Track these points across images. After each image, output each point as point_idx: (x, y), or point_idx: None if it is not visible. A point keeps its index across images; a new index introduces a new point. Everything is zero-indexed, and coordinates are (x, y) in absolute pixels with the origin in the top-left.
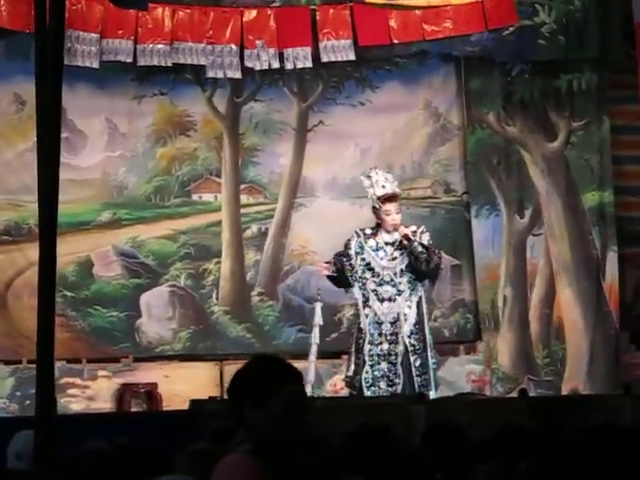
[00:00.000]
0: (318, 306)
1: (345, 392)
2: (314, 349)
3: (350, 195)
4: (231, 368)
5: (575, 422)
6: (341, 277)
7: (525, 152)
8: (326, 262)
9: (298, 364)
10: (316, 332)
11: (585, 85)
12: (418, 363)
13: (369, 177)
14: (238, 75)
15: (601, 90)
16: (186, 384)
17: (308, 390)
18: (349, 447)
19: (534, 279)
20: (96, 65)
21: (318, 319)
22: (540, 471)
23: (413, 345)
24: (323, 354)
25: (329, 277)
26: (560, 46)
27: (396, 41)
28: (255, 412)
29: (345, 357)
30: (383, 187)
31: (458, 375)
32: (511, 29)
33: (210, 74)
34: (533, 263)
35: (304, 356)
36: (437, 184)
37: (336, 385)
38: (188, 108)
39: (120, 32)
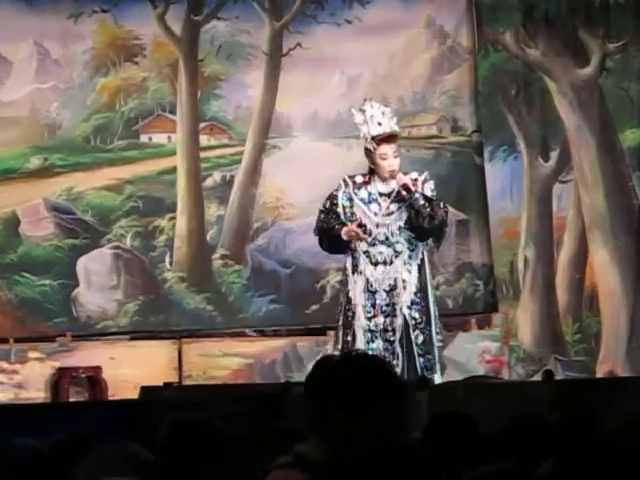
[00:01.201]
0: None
1: None
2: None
3: (335, 134)
4: (192, 347)
5: (613, 412)
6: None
7: (550, 80)
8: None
9: (271, 342)
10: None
11: None
12: (420, 340)
13: (362, 111)
14: None
15: None
16: (136, 367)
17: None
18: None
19: (562, 236)
20: None
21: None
22: (567, 474)
23: (414, 318)
24: (304, 330)
25: (320, 240)
26: None
27: None
28: (347, 423)
29: (331, 333)
30: (379, 124)
31: (469, 354)
32: None
33: None
34: (561, 216)
35: (276, 332)
36: (443, 120)
37: None
38: (135, 28)
39: None
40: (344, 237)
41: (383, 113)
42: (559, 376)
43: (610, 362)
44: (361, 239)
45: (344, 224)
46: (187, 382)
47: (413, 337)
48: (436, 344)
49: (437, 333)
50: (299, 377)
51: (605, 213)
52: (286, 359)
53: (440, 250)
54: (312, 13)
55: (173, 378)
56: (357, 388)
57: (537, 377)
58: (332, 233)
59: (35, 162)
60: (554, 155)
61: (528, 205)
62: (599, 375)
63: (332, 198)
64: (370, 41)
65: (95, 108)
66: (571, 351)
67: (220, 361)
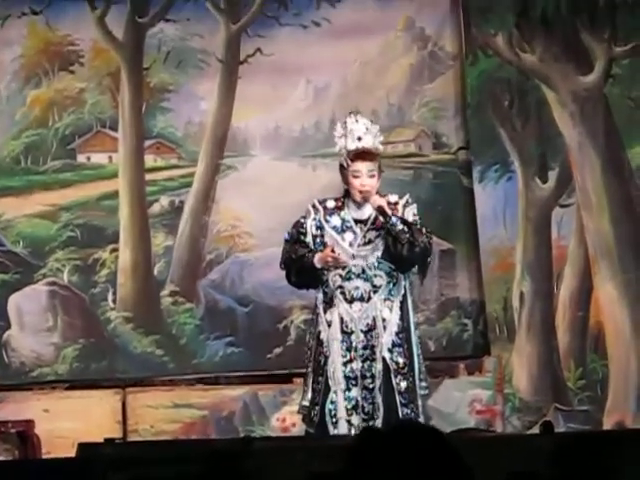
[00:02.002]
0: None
1: (298, 430)
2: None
3: (299, 153)
4: (137, 398)
5: (622, 469)
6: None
7: (548, 89)
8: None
9: (230, 391)
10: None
11: None
12: (403, 387)
13: (344, 124)
14: None
15: None
16: (74, 421)
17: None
18: None
19: (562, 268)
20: None
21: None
22: None
23: (396, 362)
24: (266, 377)
25: (288, 273)
26: None
27: None
28: None
29: (297, 380)
30: (359, 139)
31: (457, 404)
32: None
33: None
34: (561, 245)
35: (236, 379)
36: (423, 136)
37: (285, 420)
38: (71, 33)
39: None
40: (317, 265)
41: (367, 129)
42: (560, 428)
43: (619, 412)
44: (339, 265)
45: (315, 252)
46: (132, 437)
47: (395, 384)
48: (420, 392)
49: (421, 380)
50: (261, 431)
51: (612, 242)
52: (246, 410)
53: (420, 284)
54: (274, 14)
55: (116, 433)
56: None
57: (535, 430)
58: (302, 263)
59: None
60: (553, 175)
61: (524, 233)
62: (606, 427)
63: (299, 226)
64: (340, 46)
65: (25, 124)
66: (574, 400)
67: (171, 413)
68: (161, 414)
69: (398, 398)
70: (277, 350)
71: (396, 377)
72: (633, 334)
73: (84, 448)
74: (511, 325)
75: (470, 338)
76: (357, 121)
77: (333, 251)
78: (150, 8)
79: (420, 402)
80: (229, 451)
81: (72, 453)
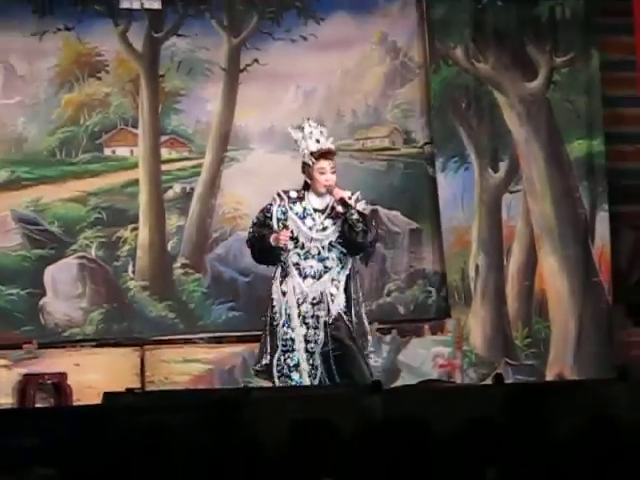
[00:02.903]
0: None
1: None
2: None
3: (291, 147)
4: (154, 354)
5: (562, 414)
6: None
7: (499, 93)
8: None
9: (232, 348)
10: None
11: (570, 13)
12: (339, 353)
13: (301, 128)
14: (157, 5)
15: (589, 18)
16: (100, 373)
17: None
18: (292, 446)
19: (511, 245)
20: None
21: (300, 344)
22: (515, 476)
23: (334, 335)
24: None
25: (252, 250)
26: None
27: None
28: None
29: None
30: (317, 141)
31: (423, 359)
32: None
33: (124, 4)
34: (510, 225)
35: (236, 338)
36: (396, 133)
37: None
38: (98, 45)
39: None
40: (272, 243)
41: (321, 132)
42: (509, 379)
43: (559, 365)
44: (286, 246)
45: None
46: (149, 388)
47: (331, 350)
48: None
49: (367, 346)
50: (256, 382)
51: (553, 222)
52: (245, 364)
53: (393, 258)
54: (269, 30)
55: (136, 384)
56: None
57: (488, 381)
58: (262, 242)
59: (2, 175)
60: (503, 166)
61: (479, 214)
62: (548, 378)
63: (266, 211)
64: (325, 57)
65: (60, 123)
66: (521, 355)
67: (181, 367)
68: (173, 368)
69: (332, 361)
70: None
71: (334, 344)
72: (570, 300)
73: (108, 397)
74: (468, 292)
75: (434, 303)
76: (310, 125)
77: (292, 239)
78: (165, 25)
79: (366, 363)
80: (231, 399)
81: (98, 401)
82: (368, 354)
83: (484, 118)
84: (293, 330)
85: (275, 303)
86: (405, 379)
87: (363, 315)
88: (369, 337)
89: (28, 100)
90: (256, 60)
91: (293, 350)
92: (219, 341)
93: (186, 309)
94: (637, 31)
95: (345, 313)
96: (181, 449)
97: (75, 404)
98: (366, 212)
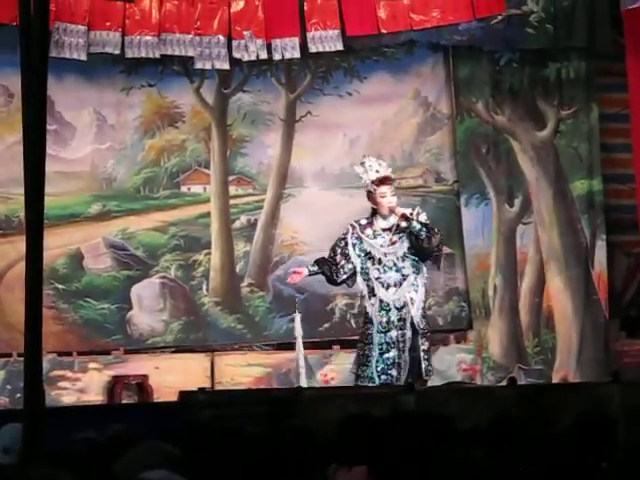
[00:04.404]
0: (297, 317)
1: (335, 383)
2: (299, 342)
3: (339, 185)
4: (222, 359)
5: (566, 411)
6: (325, 274)
7: (514, 141)
8: (294, 271)
9: (288, 355)
10: (299, 344)
11: (573, 73)
12: (426, 346)
13: (362, 164)
14: (226, 66)
15: (590, 78)
16: (177, 375)
17: (302, 381)
18: (337, 437)
19: (524, 268)
20: (84, 57)
21: (298, 331)
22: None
23: (422, 329)
24: (314, 344)
25: (322, 274)
26: (548, 34)
27: (384, 31)
28: None
29: (336, 348)
30: (377, 172)
31: (449, 364)
32: (499, 18)
33: (198, 65)
34: (523, 252)
35: (293, 345)
36: (428, 173)
37: (327, 375)
38: (176, 99)
39: (108, 24)
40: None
41: (379, 164)
42: (522, 382)
43: (563, 370)
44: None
45: (337, 263)
46: (218, 387)
47: (420, 343)
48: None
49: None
50: (309, 383)
51: (559, 249)
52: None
53: (431, 278)
54: (320, 87)
55: (207, 384)
56: None
57: (504, 383)
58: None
59: (95, 208)
60: (517, 201)
61: (497, 242)
62: (555, 381)
63: (339, 240)
64: (367, 110)
65: (144, 164)
66: (532, 361)
67: (245, 370)
68: (238, 371)
69: (422, 355)
70: (325, 325)
71: (422, 338)
72: (573, 315)
73: (184, 395)
74: (487, 308)
75: (465, 316)
76: (370, 160)
77: (370, 258)
78: (232, 82)
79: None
80: (286, 397)
81: (175, 398)
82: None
83: (501, 161)
84: (386, 334)
85: (370, 316)
86: (434, 381)
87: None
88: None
89: (117, 145)
90: (309, 112)
91: (389, 351)
92: (278, 348)
93: (252, 321)
94: (630, 89)
95: (423, 312)
96: (243, 439)
97: (155, 401)
98: (427, 222)
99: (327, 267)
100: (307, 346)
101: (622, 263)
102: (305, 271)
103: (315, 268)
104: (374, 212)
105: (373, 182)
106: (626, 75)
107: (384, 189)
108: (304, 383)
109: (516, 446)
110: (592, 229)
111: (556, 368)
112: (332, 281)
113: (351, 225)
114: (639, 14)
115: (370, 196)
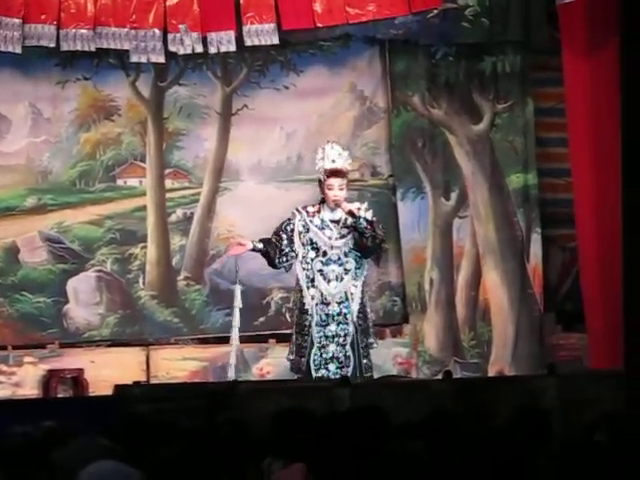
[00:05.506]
0: (238, 289)
1: (271, 377)
2: (235, 332)
3: (276, 179)
4: (158, 353)
5: (501, 404)
6: (267, 255)
7: (450, 134)
8: (238, 243)
9: (225, 348)
10: (236, 314)
11: (509, 67)
12: (364, 344)
13: (323, 149)
14: (162, 59)
15: (525, 72)
16: (112, 369)
17: (231, 374)
18: (272, 431)
19: (460, 261)
20: (19, 50)
21: (238, 302)
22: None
23: (360, 325)
24: (250, 338)
25: (263, 255)
26: (484, 28)
27: (320, 25)
28: None
29: (272, 341)
30: (333, 162)
31: (385, 358)
32: (435, 12)
33: (134, 59)
34: (459, 245)
35: (229, 339)
36: (364, 167)
37: (262, 369)
38: (112, 93)
39: (43, 17)
40: (238, 252)
41: (339, 154)
42: (458, 375)
43: (500, 364)
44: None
45: (281, 249)
46: (153, 381)
47: (359, 341)
48: (373, 346)
49: (373, 338)
50: (245, 377)
51: (495, 242)
52: (235, 362)
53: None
54: (256, 80)
55: (141, 378)
56: None
57: (439, 376)
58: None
59: (31, 201)
60: (454, 195)
61: (433, 236)
62: (491, 374)
63: (285, 224)
64: (303, 103)
65: (80, 157)
66: (467, 355)
67: (181, 364)
68: (174, 365)
69: (362, 352)
70: (260, 319)
71: (361, 335)
72: (509, 308)
73: (119, 388)
74: (423, 302)
75: (398, 311)
76: (332, 148)
77: (314, 249)
78: (168, 75)
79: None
80: (221, 390)
81: (110, 392)
82: (376, 344)
83: (437, 155)
84: (325, 328)
85: (307, 307)
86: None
87: (368, 312)
88: (371, 331)
89: (52, 139)
90: (245, 105)
91: (328, 345)
92: (214, 342)
93: (189, 315)
94: (565, 83)
95: (362, 309)
96: (178, 432)
97: (91, 395)
98: (373, 219)
99: (272, 249)
100: (243, 340)
101: (557, 257)
102: (249, 245)
103: (261, 246)
104: (322, 201)
105: (325, 171)
106: (562, 70)
107: (332, 181)
108: (233, 375)
109: (452, 440)
110: (527, 223)
111: (492, 361)
112: (272, 264)
113: (297, 210)
114: (574, 9)
115: (319, 184)
